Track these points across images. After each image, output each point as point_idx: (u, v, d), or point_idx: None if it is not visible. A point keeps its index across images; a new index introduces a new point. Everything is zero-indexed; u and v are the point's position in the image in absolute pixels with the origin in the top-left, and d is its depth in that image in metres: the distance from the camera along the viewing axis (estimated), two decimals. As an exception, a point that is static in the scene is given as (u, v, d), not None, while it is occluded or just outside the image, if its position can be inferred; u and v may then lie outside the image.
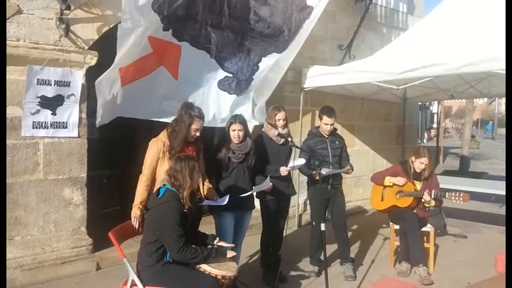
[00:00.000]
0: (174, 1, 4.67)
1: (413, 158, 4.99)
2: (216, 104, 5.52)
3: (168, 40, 4.86)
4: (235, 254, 3.42)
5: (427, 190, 4.83)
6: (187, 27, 4.97)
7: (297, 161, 4.37)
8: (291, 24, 5.71)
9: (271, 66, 5.78)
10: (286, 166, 4.34)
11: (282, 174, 4.30)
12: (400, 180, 4.96)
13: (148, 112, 4.94)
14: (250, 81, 5.76)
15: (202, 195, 3.94)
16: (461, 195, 4.77)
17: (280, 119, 4.42)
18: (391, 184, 5.04)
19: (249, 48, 5.60)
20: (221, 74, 5.53)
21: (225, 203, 3.73)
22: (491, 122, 45.76)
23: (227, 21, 5.22)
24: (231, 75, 5.57)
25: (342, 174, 4.86)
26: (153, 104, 4.98)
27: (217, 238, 3.58)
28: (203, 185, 3.99)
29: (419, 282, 4.59)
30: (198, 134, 3.83)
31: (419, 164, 4.90)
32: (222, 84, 5.56)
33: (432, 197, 4.81)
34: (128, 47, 4.47)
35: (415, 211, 4.96)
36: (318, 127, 4.88)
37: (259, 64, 5.77)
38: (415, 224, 4.82)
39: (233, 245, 3.78)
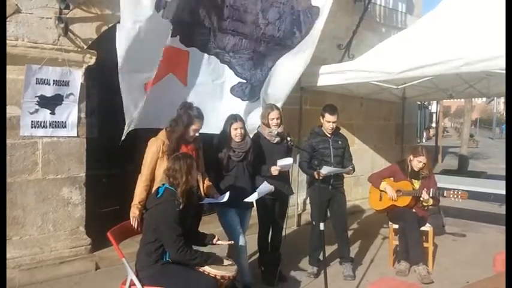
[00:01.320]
0: (179, 5, 4.66)
1: (411, 157, 5.00)
2: (228, 110, 5.39)
3: (176, 46, 4.82)
4: (231, 263, 3.40)
5: (425, 189, 4.84)
6: (195, 33, 4.93)
7: (285, 160, 4.29)
8: (300, 26, 5.69)
9: (285, 70, 5.72)
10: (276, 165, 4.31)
11: (273, 174, 4.28)
12: (391, 192, 4.97)
13: (160, 119, 4.70)
14: (262, 86, 5.72)
15: (202, 194, 3.94)
16: (460, 193, 4.80)
17: (273, 118, 4.40)
18: (385, 190, 5.06)
19: (264, 54, 5.56)
20: (234, 79, 5.46)
21: (225, 200, 3.74)
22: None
23: (237, 26, 5.19)
24: (244, 81, 5.51)
25: (344, 174, 4.85)
26: (164, 111, 4.72)
27: (216, 237, 3.57)
28: (203, 183, 4.00)
29: (418, 281, 4.59)
30: (197, 134, 3.83)
31: (417, 162, 4.91)
32: (236, 91, 5.49)
33: (430, 195, 4.81)
34: (147, 56, 4.44)
35: (414, 210, 4.97)
36: (321, 126, 4.84)
37: (272, 68, 5.72)
38: (414, 223, 4.83)
39: (232, 242, 3.79)
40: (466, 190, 5.02)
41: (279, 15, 5.49)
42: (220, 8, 5.03)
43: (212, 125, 4.73)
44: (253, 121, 4.58)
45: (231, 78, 5.44)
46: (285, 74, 5.74)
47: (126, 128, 4.51)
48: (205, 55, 5.14)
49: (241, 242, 4.07)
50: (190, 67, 5.04)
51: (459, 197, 4.78)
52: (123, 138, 4.52)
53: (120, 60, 4.31)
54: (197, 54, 5.05)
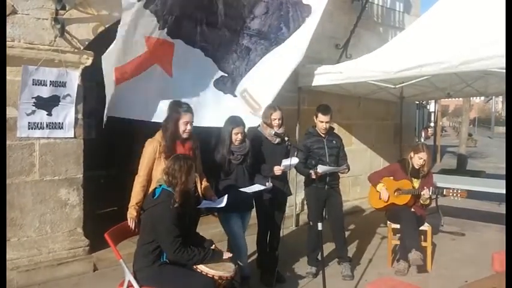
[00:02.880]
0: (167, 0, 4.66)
1: (412, 154, 5.01)
2: (213, 104, 5.43)
3: (161, 38, 4.79)
4: (231, 255, 3.40)
5: (425, 187, 4.85)
6: (182, 26, 4.92)
7: (291, 160, 4.30)
8: (288, 22, 5.67)
9: (271, 67, 5.68)
10: (280, 165, 4.32)
11: (276, 174, 4.29)
12: (385, 195, 4.99)
13: (146, 113, 4.79)
14: (242, 78, 5.67)
15: (200, 195, 3.93)
16: (459, 191, 4.81)
17: (275, 119, 4.41)
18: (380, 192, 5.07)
19: (248, 47, 5.53)
20: (218, 73, 5.47)
21: (222, 205, 3.72)
22: None
23: (223, 20, 5.18)
24: (226, 74, 5.51)
25: (339, 173, 4.84)
26: (150, 104, 4.84)
27: (214, 245, 3.53)
28: (200, 183, 3.99)
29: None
30: (188, 127, 3.80)
31: (418, 159, 4.92)
32: (219, 84, 5.49)
33: (430, 193, 4.82)
34: (123, 47, 4.43)
35: (412, 209, 4.98)
36: (315, 126, 4.85)
37: (259, 63, 5.69)
38: (412, 221, 4.84)
39: (231, 255, 3.76)
40: (465, 189, 5.03)
41: (266, 10, 5.48)
42: (210, 2, 5.02)
43: (199, 118, 4.70)
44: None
45: (214, 72, 5.43)
46: (272, 71, 5.65)
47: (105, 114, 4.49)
48: (190, 47, 5.11)
49: (244, 246, 4.12)
50: (175, 58, 5.01)
51: (458, 195, 4.80)
52: (105, 122, 4.47)
53: (106, 54, 4.32)
54: (182, 46, 5.03)
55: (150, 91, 4.82)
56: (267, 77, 5.63)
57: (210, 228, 5.18)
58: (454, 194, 4.82)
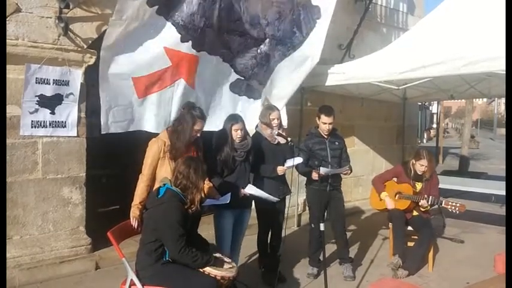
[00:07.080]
0: (188, 10, 4.66)
1: (413, 161, 5.02)
2: (229, 107, 5.47)
3: (186, 52, 4.83)
4: (232, 266, 3.38)
5: (425, 196, 4.86)
6: (206, 37, 4.95)
7: (295, 160, 4.33)
8: (300, 25, 5.68)
9: (289, 70, 5.73)
10: (283, 165, 4.32)
11: (279, 174, 4.30)
12: (390, 204, 5.01)
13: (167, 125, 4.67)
14: (264, 86, 5.75)
15: (203, 195, 3.93)
16: (458, 205, 4.78)
17: (274, 118, 4.41)
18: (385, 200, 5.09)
19: (268, 53, 5.57)
20: (233, 76, 5.50)
21: (227, 201, 3.75)
22: None
23: (243, 27, 5.21)
24: (242, 78, 5.55)
25: (342, 174, 4.84)
26: (173, 116, 4.77)
27: (217, 252, 3.51)
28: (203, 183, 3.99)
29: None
30: (198, 134, 3.83)
31: (419, 166, 4.95)
32: (234, 87, 5.54)
33: (429, 203, 4.84)
34: (142, 57, 4.46)
35: (416, 213, 5.04)
36: (318, 127, 4.82)
37: (277, 69, 5.74)
38: (400, 227, 4.92)
39: (230, 260, 3.74)
40: (466, 191, 5.03)
41: (279, 16, 5.49)
42: (231, 11, 5.04)
43: (213, 123, 4.73)
44: (250, 119, 4.59)
45: (230, 75, 5.46)
46: (289, 74, 5.71)
47: (104, 116, 4.47)
48: (214, 57, 5.16)
49: (228, 246, 4.07)
50: (198, 70, 5.05)
51: (457, 209, 4.77)
52: (102, 130, 4.48)
53: (102, 53, 4.30)
54: (206, 57, 5.07)
55: (174, 104, 4.86)
56: (285, 83, 5.70)
57: (210, 228, 5.13)
58: (453, 208, 4.79)
